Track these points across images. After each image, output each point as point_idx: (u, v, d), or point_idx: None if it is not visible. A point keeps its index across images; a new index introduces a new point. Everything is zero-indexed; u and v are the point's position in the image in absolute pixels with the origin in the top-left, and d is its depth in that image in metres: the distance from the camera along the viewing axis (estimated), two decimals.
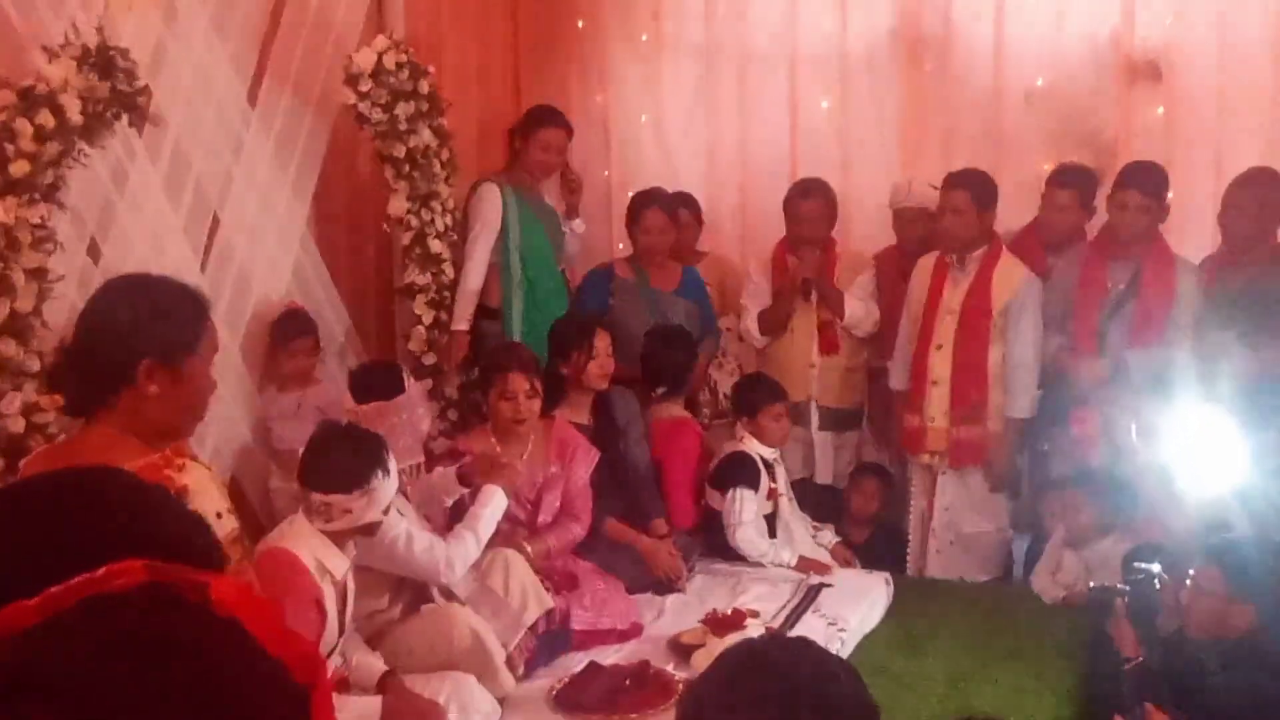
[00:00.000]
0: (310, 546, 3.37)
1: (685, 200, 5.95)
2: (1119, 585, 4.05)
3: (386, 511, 3.52)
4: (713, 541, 5.14)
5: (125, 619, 0.86)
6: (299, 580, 3.24)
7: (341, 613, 3.43)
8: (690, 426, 5.27)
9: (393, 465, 3.49)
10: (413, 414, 4.23)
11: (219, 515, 2.47)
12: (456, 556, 3.97)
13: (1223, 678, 3.46)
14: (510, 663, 3.97)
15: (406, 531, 3.87)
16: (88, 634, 0.84)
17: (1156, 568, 3.88)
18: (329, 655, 3.36)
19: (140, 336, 2.49)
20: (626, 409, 5.06)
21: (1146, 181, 4.96)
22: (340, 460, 3.42)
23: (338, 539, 3.42)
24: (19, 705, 0.79)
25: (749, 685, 1.61)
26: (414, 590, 4.08)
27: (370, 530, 3.48)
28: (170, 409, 2.53)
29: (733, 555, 5.06)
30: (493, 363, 4.70)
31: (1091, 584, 4.19)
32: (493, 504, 4.20)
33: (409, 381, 4.37)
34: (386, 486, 3.45)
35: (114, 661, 0.82)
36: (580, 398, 4.93)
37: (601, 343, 4.88)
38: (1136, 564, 4.06)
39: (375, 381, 4.29)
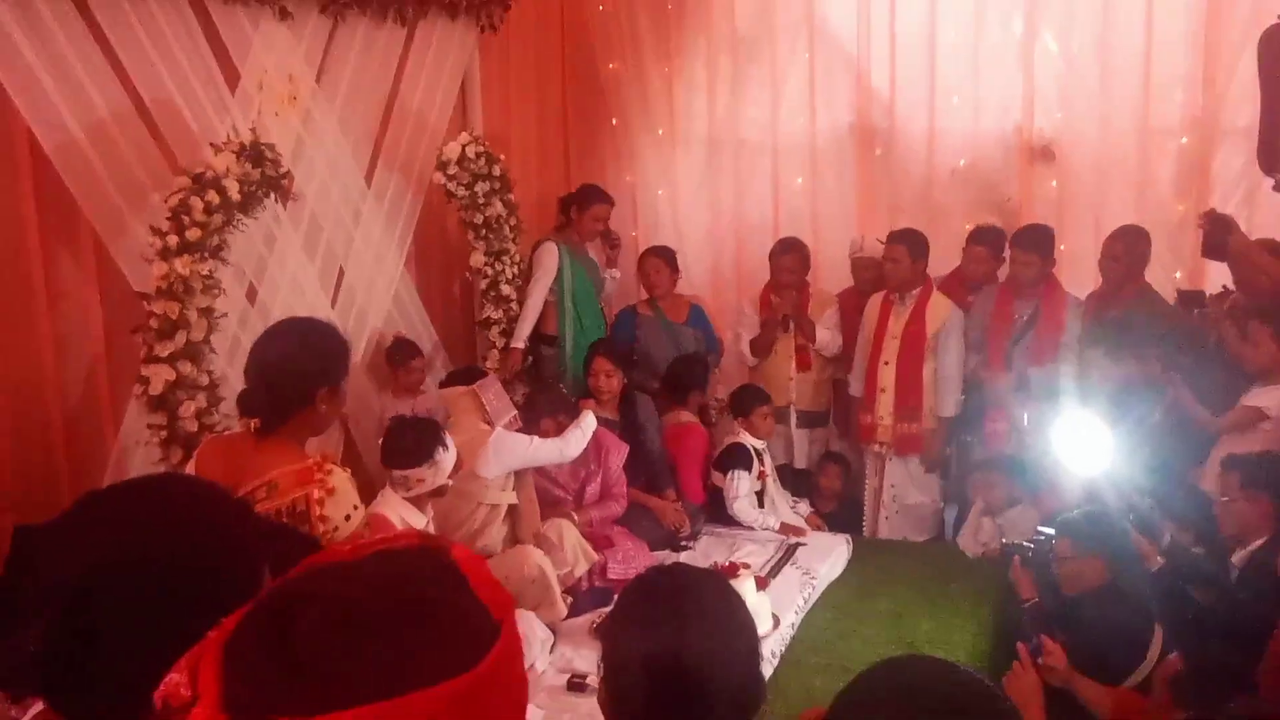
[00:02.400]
0: (394, 509, 3.42)
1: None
2: (1025, 543, 4.03)
3: (451, 475, 3.56)
4: (716, 512, 5.12)
5: (402, 556, 0.95)
6: (388, 534, 3.26)
7: None
8: (696, 429, 5.23)
9: (450, 441, 3.52)
10: (489, 389, 4.26)
11: (355, 507, 2.46)
12: (567, 444, 4.26)
13: (1094, 614, 3.45)
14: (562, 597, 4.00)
15: (531, 442, 4.16)
16: (380, 567, 0.93)
17: (1051, 531, 3.86)
18: None
19: (319, 371, 2.53)
20: (646, 410, 5.07)
21: (1036, 243, 4.95)
22: (410, 442, 3.46)
23: (418, 503, 3.46)
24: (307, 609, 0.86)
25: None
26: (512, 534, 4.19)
27: (442, 492, 3.51)
28: (328, 420, 2.60)
29: (730, 522, 5.04)
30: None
31: (1004, 541, 4.16)
32: (584, 422, 4.39)
33: (488, 373, 4.49)
34: (447, 457, 3.49)
35: (386, 577, 0.91)
36: (605, 403, 4.92)
37: (597, 365, 4.89)
38: (1040, 528, 4.05)
39: (468, 374, 4.40)
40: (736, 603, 1.68)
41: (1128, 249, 4.82)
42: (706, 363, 5.44)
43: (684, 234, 6.38)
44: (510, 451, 4.05)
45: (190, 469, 2.54)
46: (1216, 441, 4.10)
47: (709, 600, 1.63)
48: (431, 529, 3.53)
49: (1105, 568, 3.53)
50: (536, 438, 4.16)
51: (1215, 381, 4.38)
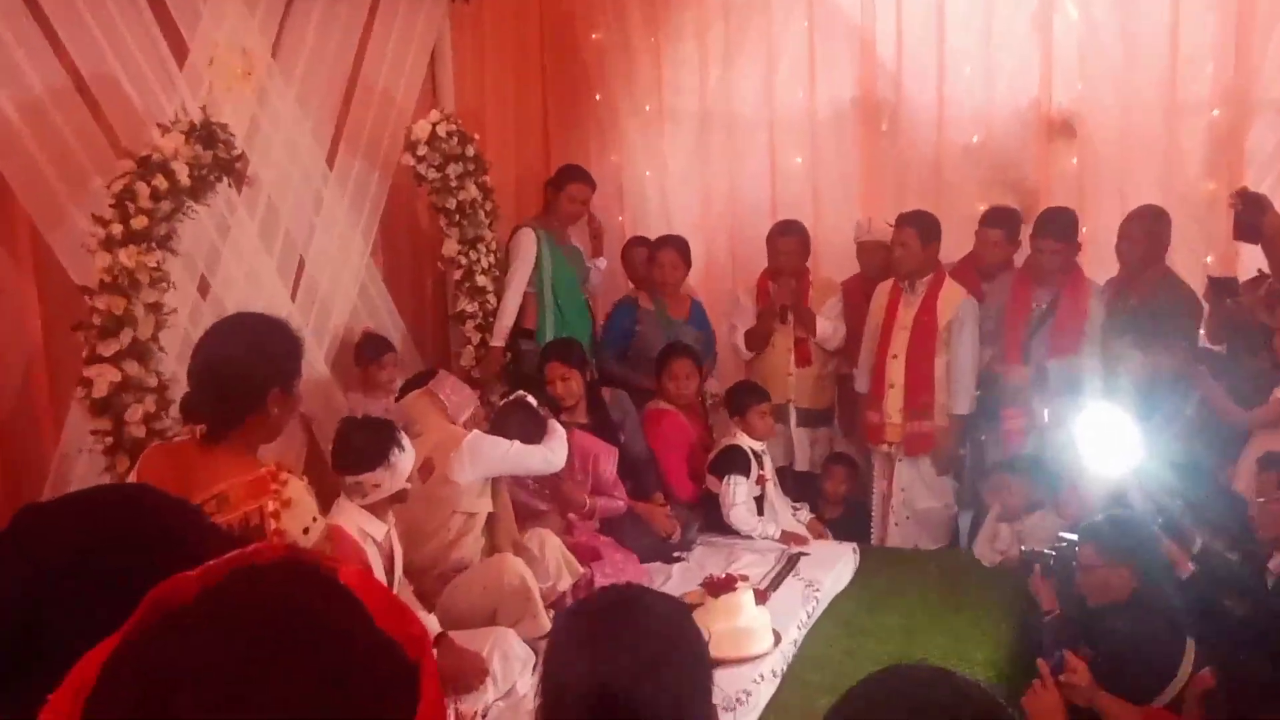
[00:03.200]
0: (351, 518, 3.40)
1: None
2: (1045, 550, 4.04)
3: (422, 478, 3.54)
4: (712, 519, 5.12)
5: (270, 585, 0.85)
6: (344, 546, 3.26)
7: (389, 570, 3.44)
8: (669, 414, 5.23)
9: (406, 442, 3.51)
10: (444, 384, 4.26)
11: (314, 519, 2.45)
12: (554, 451, 4.26)
13: (1121, 625, 3.46)
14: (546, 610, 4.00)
15: (512, 445, 4.11)
16: (239, 599, 0.83)
17: (1074, 537, 3.87)
18: None
19: (270, 372, 2.50)
20: (621, 407, 5.09)
21: (1058, 228, 4.96)
22: (361, 444, 3.45)
23: (376, 510, 3.45)
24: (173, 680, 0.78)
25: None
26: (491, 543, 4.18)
27: (402, 497, 3.49)
28: (281, 424, 2.58)
29: (728, 530, 5.05)
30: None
31: (1022, 548, 4.17)
32: (558, 430, 4.39)
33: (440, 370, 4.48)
34: (404, 459, 3.47)
35: (258, 625, 0.81)
36: (571, 408, 4.90)
37: (551, 371, 4.88)
38: (1061, 533, 4.07)
39: (417, 379, 4.39)
40: (689, 634, 1.63)
41: (1146, 231, 4.84)
42: (690, 348, 5.41)
43: (674, 218, 6.38)
44: (487, 456, 4.04)
45: (132, 480, 2.51)
46: (1250, 439, 4.11)
47: (653, 627, 1.59)
48: (395, 539, 3.52)
49: (1132, 576, 3.54)
50: (517, 441, 4.14)
51: (1248, 374, 4.40)
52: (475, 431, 4.10)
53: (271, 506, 2.32)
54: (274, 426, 2.55)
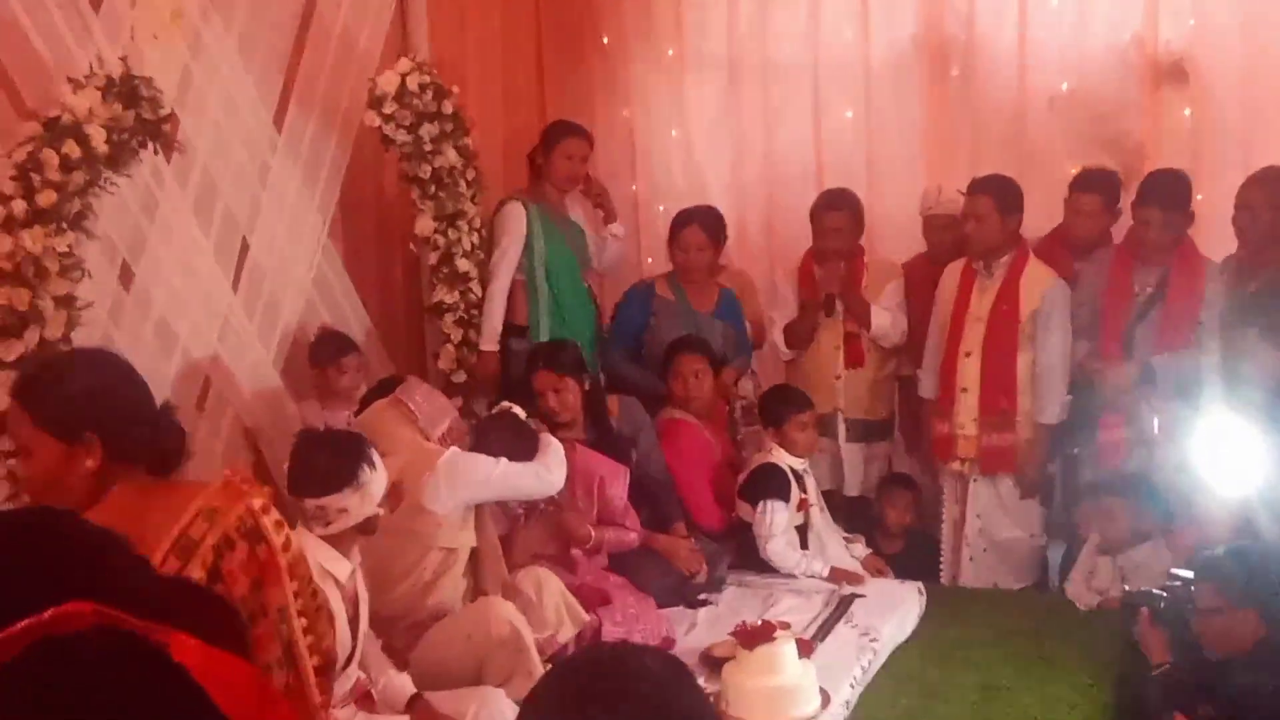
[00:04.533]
0: (310, 552, 3.38)
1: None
2: (1155, 591, 4.02)
3: (389, 506, 3.55)
4: (745, 553, 5.14)
5: (74, 665, 0.81)
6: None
7: (353, 619, 3.43)
8: (686, 426, 5.26)
9: (378, 459, 3.51)
10: (414, 391, 4.27)
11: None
12: (549, 468, 4.28)
13: (1250, 680, 3.44)
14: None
15: (499, 465, 4.13)
16: (37, 681, 0.79)
17: (1190, 574, 3.84)
18: (346, 663, 3.37)
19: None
20: (632, 419, 5.10)
21: (1167, 196, 4.94)
22: (325, 462, 3.44)
23: (339, 543, 3.43)
24: None
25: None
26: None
27: (370, 528, 3.48)
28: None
29: (765, 567, 5.06)
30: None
31: (1126, 588, 4.15)
32: (552, 445, 4.38)
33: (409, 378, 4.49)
34: (376, 480, 3.47)
35: (62, 711, 0.77)
36: (567, 425, 4.90)
37: (541, 381, 4.88)
38: (1174, 570, 4.04)
39: (381, 387, 4.42)
40: (686, 700, 1.64)
41: (1272, 198, 4.80)
42: (706, 345, 5.40)
43: (698, 187, 6.39)
44: (468, 478, 4.04)
45: None
46: None
47: (643, 690, 1.60)
48: (360, 580, 3.52)
49: (1261, 621, 3.51)
50: (504, 460, 4.14)
51: None
52: (453, 449, 4.10)
53: (258, 503, 2.38)
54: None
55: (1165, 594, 3.93)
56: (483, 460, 4.12)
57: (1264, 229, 4.84)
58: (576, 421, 4.93)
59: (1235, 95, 5.49)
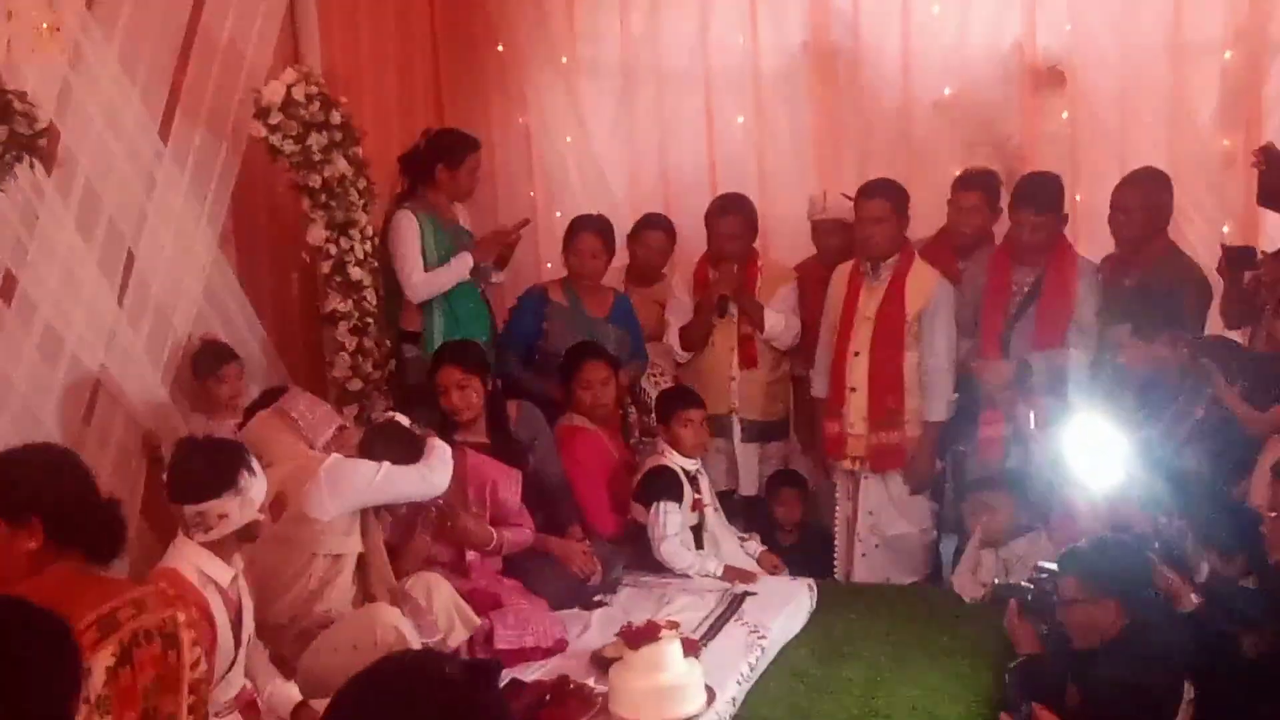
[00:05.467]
0: (189, 559, 3.38)
1: (656, 222, 5.95)
2: (1023, 583, 4.10)
3: (274, 515, 3.55)
4: (640, 555, 5.17)
5: None
6: (185, 593, 3.25)
7: (236, 624, 3.42)
8: (584, 433, 5.28)
9: (257, 466, 3.51)
10: (297, 402, 4.28)
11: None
12: (432, 469, 4.23)
13: (1109, 671, 3.52)
14: None
15: (381, 468, 4.08)
16: None
17: (1054, 566, 3.93)
18: (229, 668, 3.36)
19: None
20: (530, 424, 5.11)
21: (1039, 198, 5.04)
22: (204, 468, 3.44)
23: (221, 550, 3.43)
24: None
25: None
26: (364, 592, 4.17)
27: (252, 534, 3.48)
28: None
29: (660, 567, 5.09)
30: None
31: (996, 581, 4.22)
32: (438, 447, 4.34)
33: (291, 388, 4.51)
34: (256, 485, 3.46)
35: None
36: (468, 424, 4.93)
37: (444, 377, 4.89)
38: (1040, 563, 4.12)
39: (264, 397, 4.43)
40: (484, 708, 1.70)
41: (1144, 199, 4.92)
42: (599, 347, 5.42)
43: (597, 192, 6.43)
44: (351, 482, 4.03)
45: None
46: (1265, 445, 4.18)
47: (436, 696, 1.65)
48: (243, 586, 3.51)
49: (1121, 612, 3.60)
50: (387, 463, 4.14)
51: (1269, 369, 4.47)
52: (335, 455, 4.09)
53: (183, 617, 2.62)
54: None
55: (1032, 586, 4.00)
56: (364, 465, 4.10)
57: (1138, 229, 4.96)
58: (478, 421, 4.93)
59: (1111, 99, 5.61)
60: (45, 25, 4.20)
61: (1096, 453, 4.21)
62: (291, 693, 3.64)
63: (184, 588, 3.29)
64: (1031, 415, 4.94)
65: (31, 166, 4.02)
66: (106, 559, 2.71)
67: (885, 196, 5.23)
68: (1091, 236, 5.37)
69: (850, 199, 5.41)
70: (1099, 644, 3.63)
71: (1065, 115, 5.71)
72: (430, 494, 4.33)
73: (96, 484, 2.80)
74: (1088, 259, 5.13)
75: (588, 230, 5.66)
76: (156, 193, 4.80)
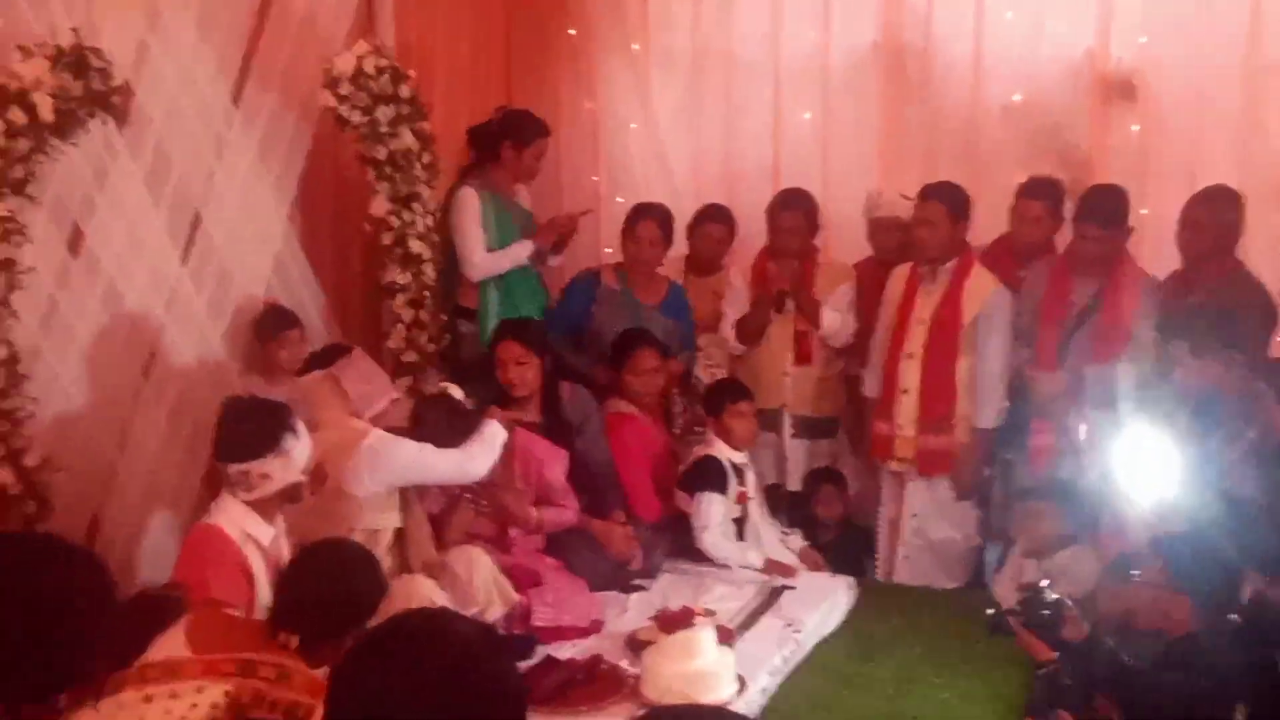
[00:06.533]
0: (233, 518, 3.45)
1: (716, 214, 5.96)
2: (1014, 608, 4.04)
3: (314, 488, 3.61)
4: (681, 543, 5.20)
5: None
6: (223, 550, 3.31)
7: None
8: (631, 419, 5.29)
9: (301, 427, 3.55)
10: (351, 369, 4.27)
11: None
12: (470, 456, 4.25)
13: (1155, 676, 3.48)
14: None
15: (421, 449, 4.12)
16: None
17: (1045, 583, 3.93)
18: None
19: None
20: (581, 407, 5.13)
21: (1104, 211, 4.98)
22: (248, 428, 3.50)
23: (264, 509, 3.49)
24: None
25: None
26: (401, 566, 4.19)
27: (296, 495, 3.54)
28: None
29: (701, 556, 5.11)
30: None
31: (989, 611, 4.16)
32: (488, 432, 4.35)
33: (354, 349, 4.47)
34: (299, 448, 3.52)
35: None
36: (522, 400, 4.95)
37: (505, 350, 4.92)
38: (1024, 582, 4.12)
39: (325, 355, 4.39)
40: (490, 669, 1.71)
41: (1213, 216, 4.85)
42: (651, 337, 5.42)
43: (660, 180, 6.43)
44: (389, 462, 4.05)
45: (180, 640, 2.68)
46: None
47: (445, 653, 1.66)
48: (285, 546, 3.56)
49: (1192, 613, 3.55)
50: (428, 444, 4.16)
51: None
52: (375, 432, 4.09)
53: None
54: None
55: (1020, 610, 3.95)
56: (405, 445, 4.11)
57: (1205, 246, 4.89)
58: (532, 399, 4.97)
59: (1182, 113, 5.54)
60: None
61: (1147, 468, 4.16)
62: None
63: (224, 545, 3.35)
64: (1084, 428, 4.89)
65: (105, 123, 4.08)
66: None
67: (941, 200, 5.20)
68: (1156, 251, 5.29)
69: (909, 199, 5.40)
70: (1157, 636, 3.59)
71: (1136, 128, 5.63)
72: (466, 481, 4.35)
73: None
74: (1150, 274, 5.06)
75: (648, 218, 5.68)
76: (226, 155, 4.86)
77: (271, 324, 4.95)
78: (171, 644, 2.61)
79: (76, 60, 3.81)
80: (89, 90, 3.84)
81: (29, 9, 4.04)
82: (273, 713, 2.51)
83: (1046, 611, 3.80)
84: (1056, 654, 3.77)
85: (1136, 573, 3.78)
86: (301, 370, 4.41)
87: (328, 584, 2.88)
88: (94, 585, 2.17)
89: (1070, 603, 3.90)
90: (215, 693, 2.49)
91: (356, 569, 3.01)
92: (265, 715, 2.50)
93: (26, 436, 3.85)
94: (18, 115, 3.66)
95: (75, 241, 4.32)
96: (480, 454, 4.29)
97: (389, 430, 4.16)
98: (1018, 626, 3.91)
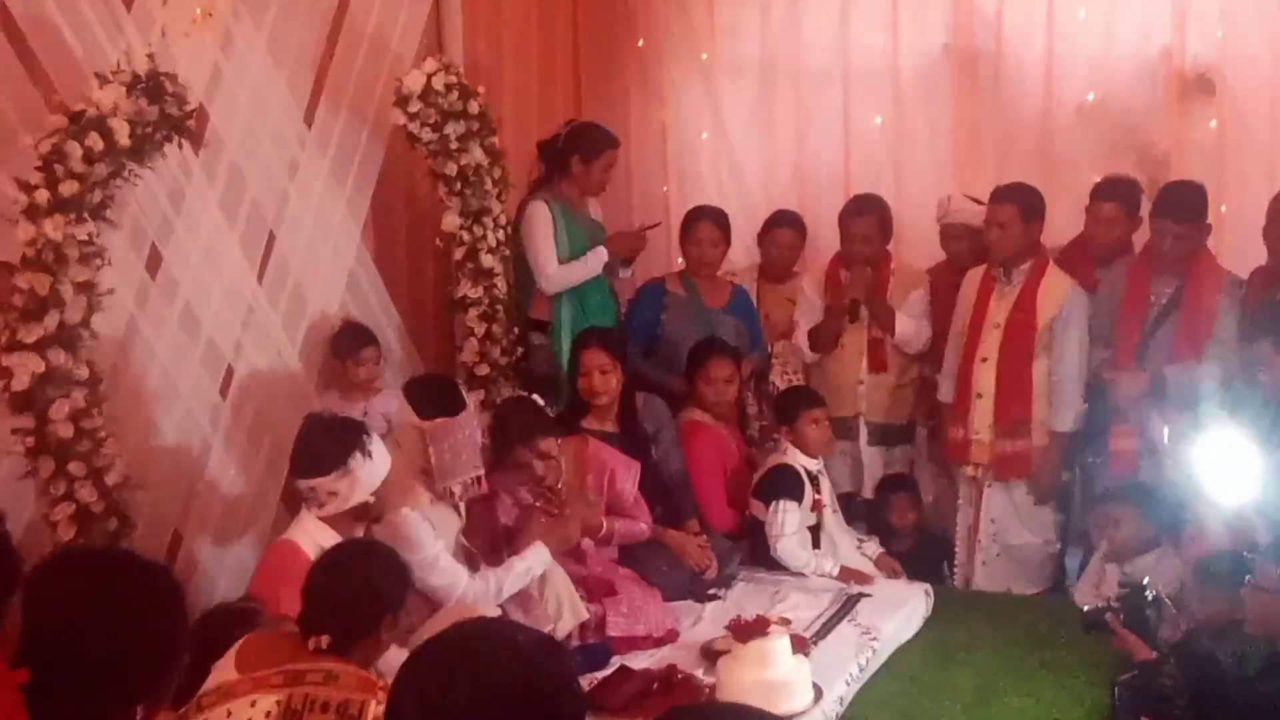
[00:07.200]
0: (309, 533, 3.51)
1: (786, 219, 5.98)
2: (1109, 603, 3.99)
3: (376, 495, 3.65)
4: (757, 551, 5.19)
5: None
6: (297, 565, 3.36)
7: None
8: (706, 429, 5.30)
9: (376, 448, 3.58)
10: (472, 429, 4.23)
11: None
12: (472, 593, 4.05)
13: (1250, 684, 3.42)
14: None
15: (436, 554, 3.99)
16: None
17: (1146, 579, 3.89)
18: None
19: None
20: (654, 416, 5.14)
21: (1182, 208, 4.90)
22: (320, 446, 3.55)
23: (340, 525, 3.54)
24: None
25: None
26: None
27: (364, 512, 3.58)
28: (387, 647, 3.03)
29: (776, 565, 5.10)
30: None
31: (1085, 608, 4.11)
32: (532, 558, 4.25)
33: (466, 396, 4.39)
34: (368, 468, 3.57)
35: None
36: (601, 410, 4.99)
37: (589, 359, 4.94)
38: (1124, 580, 4.07)
39: (434, 397, 4.21)
40: (548, 675, 1.72)
41: None
42: (726, 345, 5.43)
43: (731, 188, 6.46)
44: (403, 545, 3.80)
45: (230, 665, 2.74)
46: None
47: (503, 661, 1.68)
48: None
49: None
50: (443, 553, 4.02)
51: None
52: (405, 512, 3.95)
53: (374, 710, 2.60)
54: (381, 650, 2.99)
55: (1118, 605, 3.90)
56: (423, 543, 3.96)
57: None
58: (611, 408, 5.00)
59: (1262, 108, 5.47)
60: (199, 11, 4.37)
61: (1230, 470, 4.09)
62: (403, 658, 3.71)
63: (298, 561, 3.40)
64: (1165, 429, 4.82)
65: (180, 147, 4.15)
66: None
67: (1013, 202, 5.15)
68: (1236, 248, 5.23)
69: (978, 203, 5.36)
70: (1269, 643, 3.51)
71: (1214, 124, 5.56)
72: (443, 600, 4.07)
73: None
74: (1232, 272, 4.98)
75: (704, 219, 5.73)
76: (299, 176, 4.93)
77: (348, 341, 5.01)
78: (223, 672, 2.66)
79: (152, 86, 3.87)
80: (164, 115, 3.90)
81: (104, 37, 4.13)
82: (325, 713, 2.55)
83: (1148, 610, 3.74)
84: (1155, 654, 3.72)
85: (1251, 577, 3.70)
86: (410, 387, 4.32)
87: (346, 582, 2.89)
88: (169, 601, 2.22)
89: (1170, 602, 3.84)
90: (268, 702, 2.54)
91: (373, 564, 3.02)
92: (319, 717, 2.54)
93: (108, 455, 3.90)
94: (95, 141, 3.72)
95: (153, 263, 4.39)
96: (513, 579, 4.17)
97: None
98: (1116, 624, 3.86)
